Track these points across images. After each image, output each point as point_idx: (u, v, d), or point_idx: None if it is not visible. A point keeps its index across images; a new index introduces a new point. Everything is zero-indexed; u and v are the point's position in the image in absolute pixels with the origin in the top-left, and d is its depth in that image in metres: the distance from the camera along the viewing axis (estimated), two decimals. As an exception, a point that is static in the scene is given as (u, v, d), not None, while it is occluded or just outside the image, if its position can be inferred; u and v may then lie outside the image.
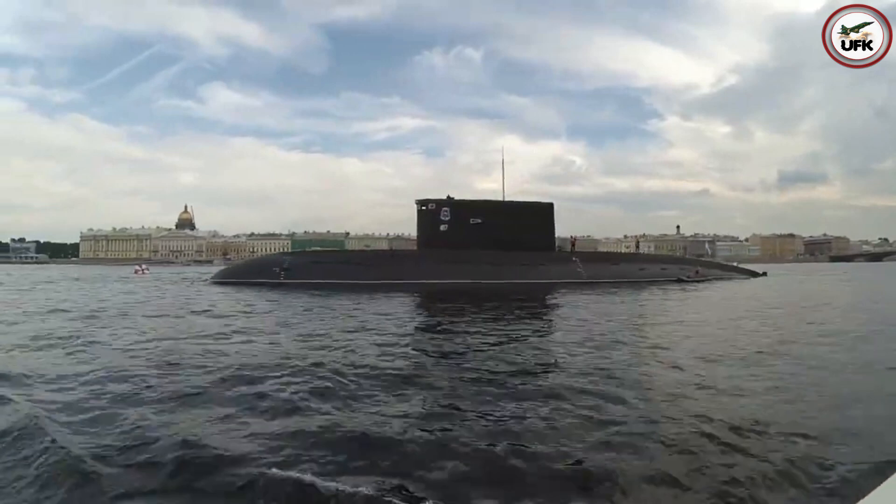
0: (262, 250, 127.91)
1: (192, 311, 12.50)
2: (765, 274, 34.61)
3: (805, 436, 3.68)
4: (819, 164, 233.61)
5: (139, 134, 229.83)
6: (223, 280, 26.84)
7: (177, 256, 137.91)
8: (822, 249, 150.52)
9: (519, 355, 6.83)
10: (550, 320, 11.64)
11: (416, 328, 9.97)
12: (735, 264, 41.85)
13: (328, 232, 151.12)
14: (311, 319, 10.93)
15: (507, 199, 30.47)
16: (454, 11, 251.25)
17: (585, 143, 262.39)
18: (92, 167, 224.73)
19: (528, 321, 10.76)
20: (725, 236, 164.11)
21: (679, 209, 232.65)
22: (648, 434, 3.72)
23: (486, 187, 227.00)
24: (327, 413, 4.27)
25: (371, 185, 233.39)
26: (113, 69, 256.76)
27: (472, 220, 27.32)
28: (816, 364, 6.34)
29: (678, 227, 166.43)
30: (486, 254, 25.51)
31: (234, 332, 8.98)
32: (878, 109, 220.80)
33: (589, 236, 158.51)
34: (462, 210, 27.79)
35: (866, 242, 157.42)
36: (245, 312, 12.52)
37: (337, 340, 8.01)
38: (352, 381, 5.31)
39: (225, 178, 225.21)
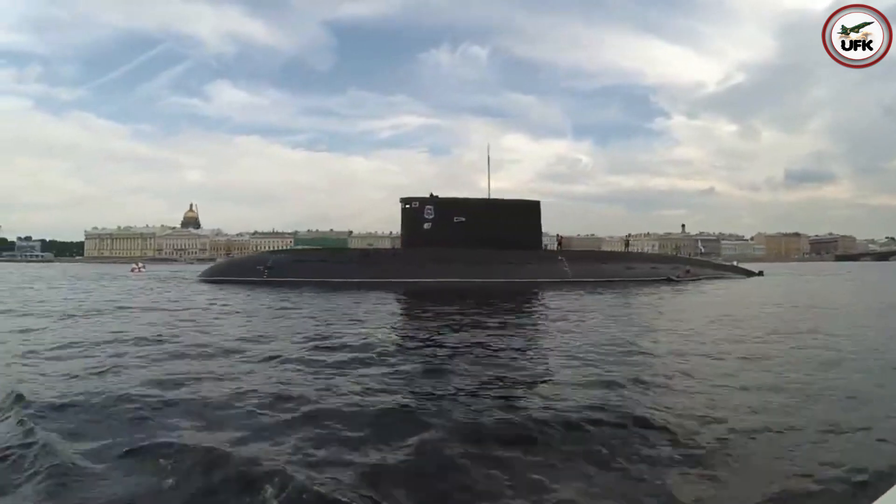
0: (265, 248, 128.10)
1: (146, 308, 13.03)
2: (761, 273, 33.65)
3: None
4: (827, 162, 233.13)
5: (145, 132, 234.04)
6: (209, 278, 27.20)
7: (181, 255, 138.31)
8: (828, 249, 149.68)
9: (474, 365, 6.16)
10: (520, 325, 10.34)
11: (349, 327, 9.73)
12: (734, 263, 40.77)
13: (331, 230, 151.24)
14: (266, 319, 10.95)
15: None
16: (460, 8, 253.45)
17: (591, 142, 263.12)
18: (99, 165, 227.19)
19: (494, 323, 10.11)
20: (731, 235, 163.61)
21: (685, 208, 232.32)
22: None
23: (493, 186, 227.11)
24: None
25: (376, 183, 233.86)
26: (119, 67, 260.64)
27: (455, 219, 27.13)
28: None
29: (683, 225, 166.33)
30: (470, 252, 25.20)
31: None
32: (886, 108, 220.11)
33: (592, 235, 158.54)
34: (446, 208, 27.59)
35: (873, 242, 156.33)
36: (196, 307, 13.32)
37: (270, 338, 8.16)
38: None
39: (231, 175, 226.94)
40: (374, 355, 6.60)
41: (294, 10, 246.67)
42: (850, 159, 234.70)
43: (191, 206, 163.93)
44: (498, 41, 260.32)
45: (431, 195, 28.30)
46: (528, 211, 28.98)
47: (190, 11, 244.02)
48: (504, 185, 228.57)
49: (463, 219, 27.11)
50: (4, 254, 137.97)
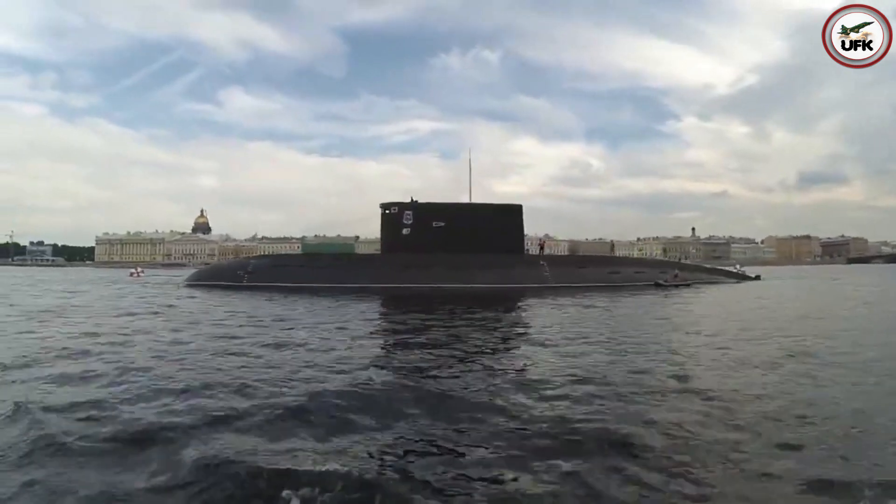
0: (273, 253, 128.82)
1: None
2: (758, 278, 32.62)
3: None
4: (839, 164, 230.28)
5: (159, 137, 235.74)
6: (194, 283, 27.68)
7: (189, 259, 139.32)
8: (840, 251, 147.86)
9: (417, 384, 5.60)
10: (472, 339, 8.86)
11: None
12: (735, 267, 39.22)
13: (338, 235, 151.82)
14: (219, 323, 11.07)
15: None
16: (469, 13, 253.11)
17: (603, 145, 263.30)
18: (113, 170, 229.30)
19: (440, 337, 9.19)
20: (741, 238, 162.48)
21: (698, 211, 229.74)
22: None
23: (506, 190, 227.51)
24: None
25: (388, 188, 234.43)
26: (133, 74, 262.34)
27: (434, 224, 26.85)
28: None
29: (693, 229, 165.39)
30: (449, 257, 24.97)
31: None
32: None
33: (600, 239, 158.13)
34: (425, 213, 27.31)
35: (885, 244, 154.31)
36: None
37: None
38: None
39: (243, 180, 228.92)
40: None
41: (305, 16, 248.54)
42: (862, 160, 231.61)
43: (201, 211, 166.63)
44: (508, 45, 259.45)
45: (412, 200, 28.11)
46: (509, 215, 28.46)
47: (202, 19, 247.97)
48: (516, 190, 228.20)
49: (442, 223, 26.85)
50: (16, 258, 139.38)
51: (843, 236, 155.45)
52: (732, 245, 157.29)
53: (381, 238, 28.83)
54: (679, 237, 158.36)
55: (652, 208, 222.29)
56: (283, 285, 23.77)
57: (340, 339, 8.65)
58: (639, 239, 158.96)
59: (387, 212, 27.86)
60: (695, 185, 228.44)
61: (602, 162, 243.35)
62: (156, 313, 13.33)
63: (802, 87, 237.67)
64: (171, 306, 15.63)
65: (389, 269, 25.35)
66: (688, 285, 26.17)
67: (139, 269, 44.24)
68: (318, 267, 27.98)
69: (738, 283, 30.06)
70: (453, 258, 24.93)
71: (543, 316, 13.21)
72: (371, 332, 9.87)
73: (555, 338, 8.80)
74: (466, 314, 12.80)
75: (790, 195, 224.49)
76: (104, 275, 50.17)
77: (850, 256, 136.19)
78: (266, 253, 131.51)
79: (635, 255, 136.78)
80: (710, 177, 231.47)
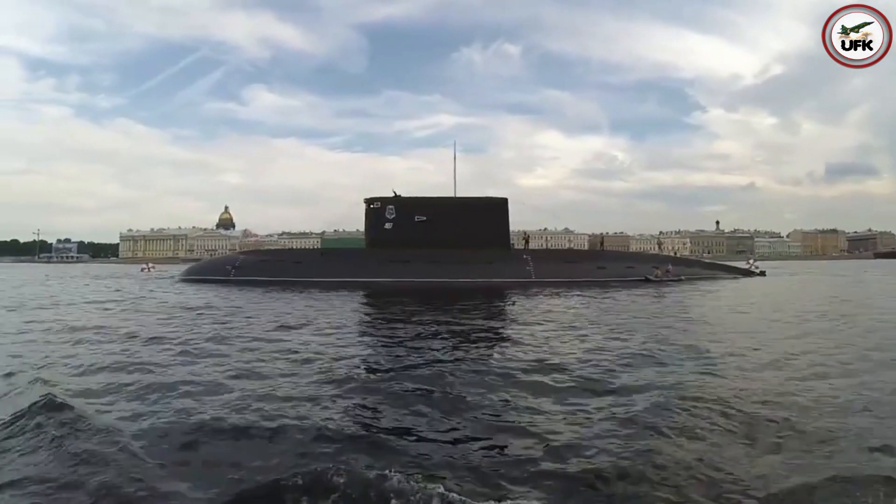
0: (291, 248, 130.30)
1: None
2: (763, 273, 30.96)
3: None
4: (868, 155, 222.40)
5: (184, 136, 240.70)
6: (187, 277, 28.68)
7: (211, 255, 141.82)
8: (867, 246, 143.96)
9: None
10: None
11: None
12: (749, 262, 35.69)
13: (357, 230, 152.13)
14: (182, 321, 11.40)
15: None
16: (490, 6, 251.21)
17: (628, 137, 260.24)
18: (139, 169, 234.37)
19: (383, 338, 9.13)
20: (766, 232, 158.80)
21: (725, 204, 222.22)
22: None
23: (529, 184, 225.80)
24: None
25: (412, 183, 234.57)
26: (157, 74, 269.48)
27: (416, 218, 26.99)
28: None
29: (717, 222, 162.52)
30: (430, 252, 24.93)
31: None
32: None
33: (621, 233, 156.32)
34: (407, 207, 27.48)
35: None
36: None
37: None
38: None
39: (268, 177, 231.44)
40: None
41: (325, 14, 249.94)
42: (891, 152, 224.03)
43: (225, 207, 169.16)
44: (530, 37, 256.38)
45: (395, 194, 28.25)
46: (494, 209, 28.23)
47: (224, 19, 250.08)
48: (540, 183, 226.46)
49: (424, 218, 26.95)
50: (42, 255, 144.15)
51: (870, 230, 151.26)
52: (757, 239, 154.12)
53: (366, 233, 29.45)
54: (702, 231, 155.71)
55: (678, 201, 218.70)
56: (268, 279, 24.60)
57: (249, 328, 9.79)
58: (661, 233, 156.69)
59: (371, 206, 28.24)
60: (723, 178, 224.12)
61: (627, 154, 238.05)
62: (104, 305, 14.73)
63: (830, 77, 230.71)
64: (142, 298, 17.17)
65: (372, 264, 25.78)
66: (679, 280, 25.14)
67: (150, 265, 45.51)
68: (303, 262, 28.77)
69: (738, 279, 28.67)
70: (434, 253, 24.91)
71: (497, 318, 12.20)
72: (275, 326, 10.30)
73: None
74: (415, 316, 11.82)
75: (818, 188, 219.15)
76: (119, 269, 52.70)
77: (876, 251, 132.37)
78: (285, 248, 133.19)
79: (655, 250, 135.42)
80: (736, 169, 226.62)
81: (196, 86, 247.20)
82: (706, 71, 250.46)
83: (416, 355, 7.12)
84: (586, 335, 8.79)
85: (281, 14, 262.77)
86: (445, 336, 8.91)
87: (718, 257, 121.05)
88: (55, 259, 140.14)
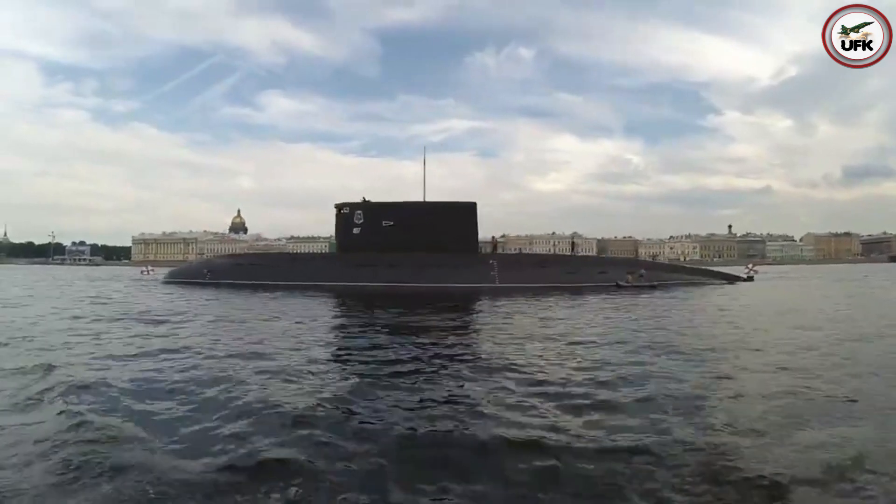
0: (299, 252, 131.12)
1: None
2: (751, 279, 29.53)
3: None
4: (886, 157, 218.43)
5: (199, 141, 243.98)
6: (169, 280, 30.38)
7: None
8: (882, 249, 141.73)
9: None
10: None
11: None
12: (748, 268, 33.38)
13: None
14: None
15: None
16: (503, 10, 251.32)
17: (642, 141, 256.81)
18: (154, 173, 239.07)
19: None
20: (779, 236, 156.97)
21: (741, 207, 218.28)
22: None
23: (544, 188, 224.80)
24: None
25: (427, 186, 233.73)
26: (172, 79, 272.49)
27: (384, 223, 27.25)
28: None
29: (729, 226, 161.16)
30: (396, 257, 25.18)
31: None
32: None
33: (629, 237, 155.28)
34: (376, 212, 27.76)
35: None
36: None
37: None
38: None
39: (282, 181, 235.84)
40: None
41: (339, 19, 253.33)
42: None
43: (238, 211, 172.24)
44: (543, 41, 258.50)
45: (364, 199, 28.61)
46: (462, 213, 28.01)
47: (240, 25, 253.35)
48: (554, 188, 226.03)
49: (391, 223, 27.16)
50: (56, 257, 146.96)
51: (885, 233, 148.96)
52: (769, 243, 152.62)
53: (336, 238, 29.95)
54: (713, 234, 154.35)
55: (693, 205, 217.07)
56: (239, 282, 25.67)
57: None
58: (671, 237, 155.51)
59: (340, 212, 28.55)
60: (738, 181, 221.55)
61: (641, 158, 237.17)
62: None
63: (846, 78, 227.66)
64: (110, 298, 18.43)
65: (341, 268, 26.26)
66: (653, 287, 23.76)
67: (150, 268, 46.23)
68: (274, 266, 29.57)
69: (722, 284, 26.97)
70: (400, 257, 25.16)
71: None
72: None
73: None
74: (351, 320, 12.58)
75: (835, 190, 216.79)
76: (121, 272, 54.15)
77: (892, 254, 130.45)
78: (293, 251, 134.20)
79: (665, 255, 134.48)
80: (752, 172, 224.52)
81: (211, 90, 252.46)
82: (720, 73, 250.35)
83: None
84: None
85: (295, 19, 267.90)
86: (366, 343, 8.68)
87: (729, 261, 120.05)
88: (68, 261, 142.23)
